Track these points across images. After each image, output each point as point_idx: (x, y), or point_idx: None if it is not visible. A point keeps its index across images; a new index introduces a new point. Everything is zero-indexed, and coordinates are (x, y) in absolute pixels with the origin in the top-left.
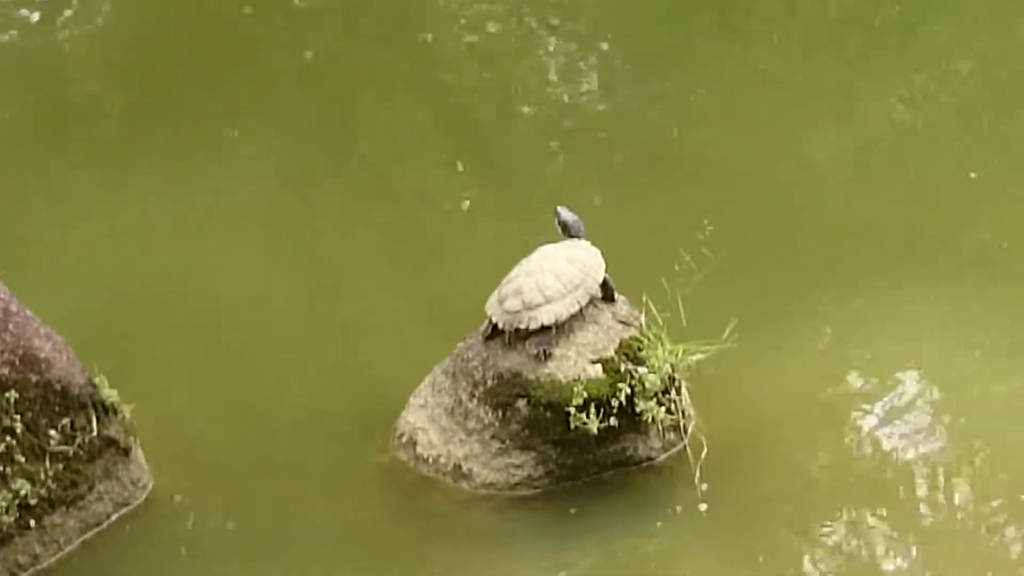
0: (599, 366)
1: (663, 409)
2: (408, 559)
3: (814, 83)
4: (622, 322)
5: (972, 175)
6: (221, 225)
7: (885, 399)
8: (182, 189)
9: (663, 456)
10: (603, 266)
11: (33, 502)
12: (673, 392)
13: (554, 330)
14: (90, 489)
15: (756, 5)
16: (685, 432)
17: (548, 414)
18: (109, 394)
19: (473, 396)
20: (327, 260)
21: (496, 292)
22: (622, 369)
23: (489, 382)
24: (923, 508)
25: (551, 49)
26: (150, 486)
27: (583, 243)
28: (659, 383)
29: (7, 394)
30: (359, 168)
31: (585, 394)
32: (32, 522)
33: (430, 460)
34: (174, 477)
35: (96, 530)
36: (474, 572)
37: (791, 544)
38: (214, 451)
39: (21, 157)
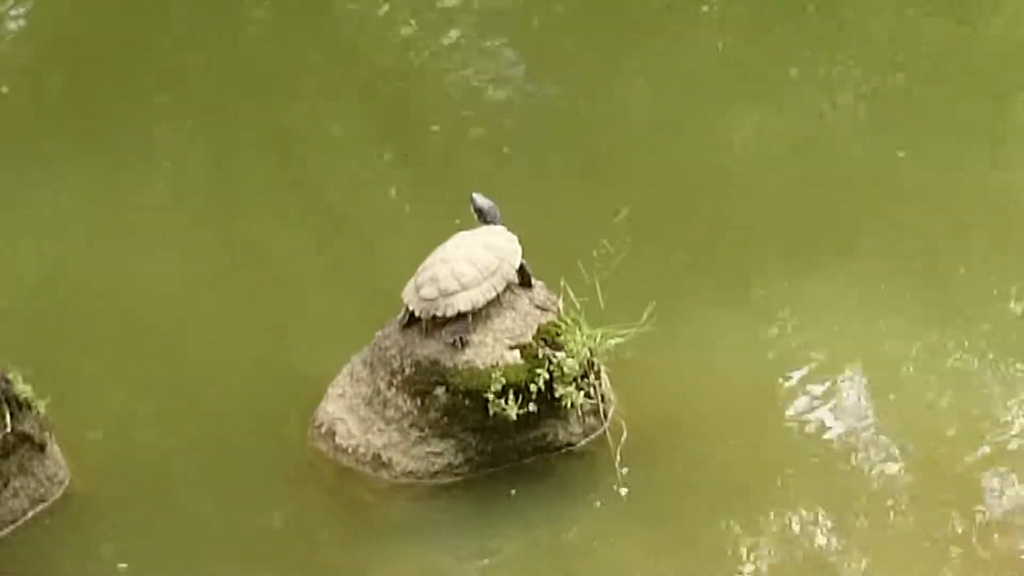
0: (517, 352)
1: (582, 394)
2: (328, 550)
3: (737, 70)
4: (540, 308)
5: (900, 154)
6: (142, 218)
7: (808, 379)
8: (102, 182)
9: (584, 441)
10: (519, 252)
11: None
12: (592, 377)
13: (471, 317)
14: (5, 485)
15: None
16: (605, 417)
17: (467, 401)
18: (23, 390)
19: (391, 385)
20: (251, 251)
21: (412, 280)
22: (540, 355)
23: (407, 370)
24: (851, 488)
25: (477, 40)
26: (67, 482)
27: (499, 229)
28: (578, 368)
29: None
30: (284, 159)
31: (503, 380)
32: None
33: (349, 450)
34: (92, 473)
35: (12, 527)
36: (395, 562)
37: (713, 527)
38: (133, 446)
39: None
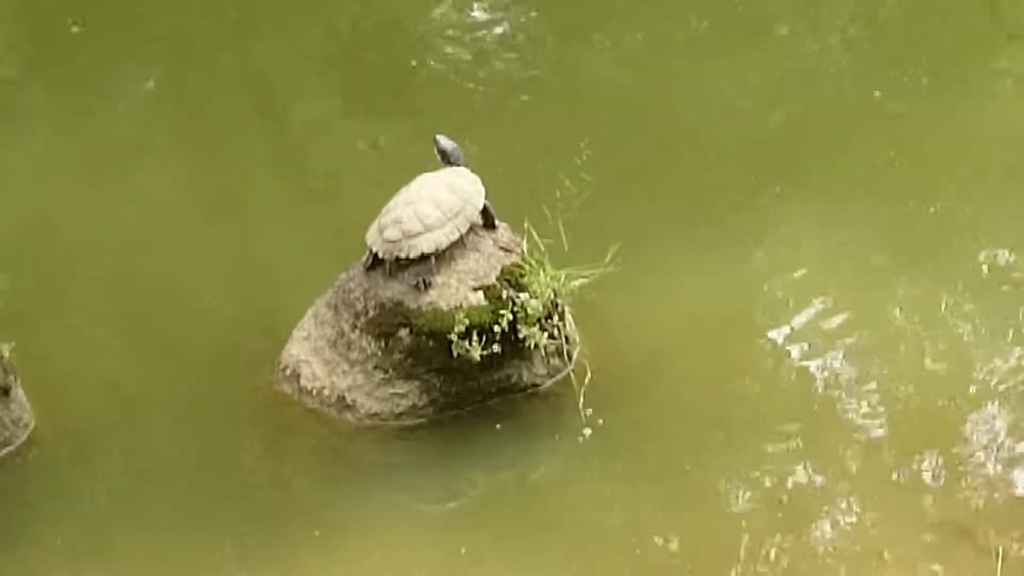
0: (481, 293)
1: (546, 335)
2: (293, 492)
3: (712, 14)
4: (503, 249)
5: (876, 94)
6: (104, 157)
7: (778, 316)
8: (63, 124)
9: (548, 382)
10: (483, 193)
11: None
12: (556, 318)
13: (434, 259)
14: None
15: None
16: (570, 358)
17: (431, 343)
18: None
19: (355, 327)
20: (218, 192)
21: (376, 222)
22: (504, 296)
23: (371, 312)
24: (823, 427)
25: None
26: (32, 425)
27: (462, 170)
28: (541, 309)
29: None
30: (254, 101)
31: (467, 321)
32: None
33: (314, 392)
34: (57, 416)
35: None
36: (360, 503)
37: (679, 466)
38: (98, 389)
39: None
